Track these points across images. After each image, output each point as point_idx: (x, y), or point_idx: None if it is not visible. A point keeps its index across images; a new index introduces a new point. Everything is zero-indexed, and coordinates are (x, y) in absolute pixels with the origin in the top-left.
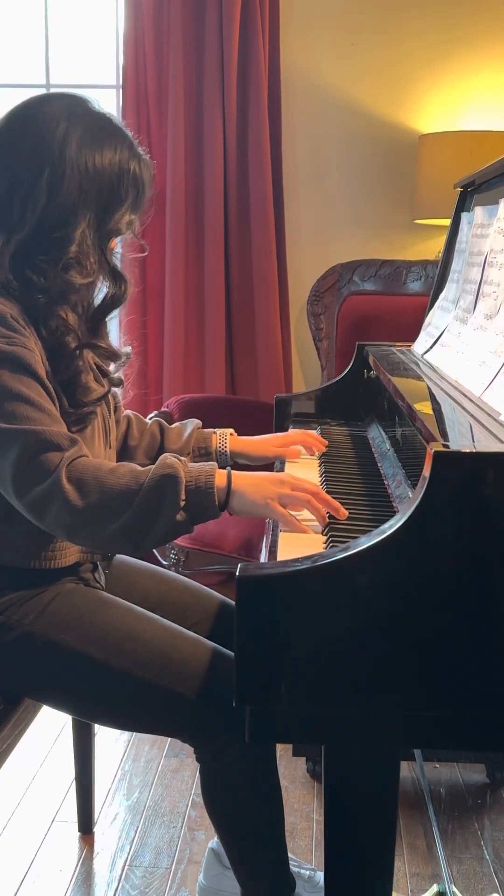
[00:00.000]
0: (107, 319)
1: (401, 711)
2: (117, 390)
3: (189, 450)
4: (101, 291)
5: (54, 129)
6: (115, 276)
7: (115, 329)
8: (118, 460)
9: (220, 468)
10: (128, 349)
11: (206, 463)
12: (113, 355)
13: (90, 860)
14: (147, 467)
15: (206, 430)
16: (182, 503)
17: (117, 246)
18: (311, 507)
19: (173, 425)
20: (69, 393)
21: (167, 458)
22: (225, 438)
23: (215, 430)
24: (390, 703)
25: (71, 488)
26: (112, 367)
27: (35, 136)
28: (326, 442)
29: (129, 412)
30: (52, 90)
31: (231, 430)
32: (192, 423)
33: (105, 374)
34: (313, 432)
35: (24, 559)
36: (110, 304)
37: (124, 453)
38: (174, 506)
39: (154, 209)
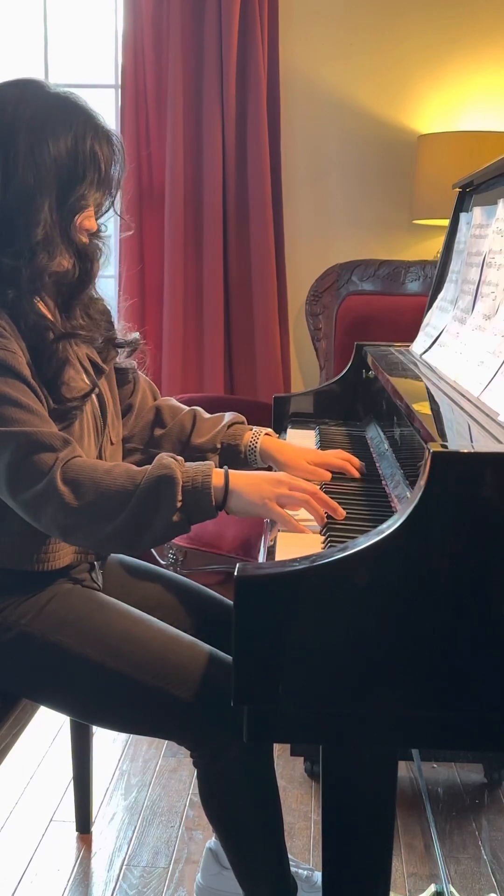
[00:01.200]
0: (111, 314)
1: (399, 711)
2: (141, 376)
3: (216, 444)
4: (73, 273)
5: (2, 115)
6: (81, 256)
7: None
8: (144, 448)
9: (246, 466)
10: (135, 335)
11: (202, 462)
12: (91, 339)
13: (88, 860)
14: (143, 467)
15: (243, 425)
16: (178, 504)
17: (105, 228)
18: (309, 507)
19: (212, 416)
20: (52, 389)
21: (163, 457)
22: (258, 437)
23: (252, 427)
24: (388, 703)
25: (66, 489)
26: (121, 355)
27: None
28: (362, 464)
29: (161, 400)
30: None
31: (268, 430)
32: (231, 416)
33: (101, 370)
34: (352, 457)
35: (19, 561)
36: (78, 284)
37: (151, 442)
38: (170, 507)
39: (152, 209)
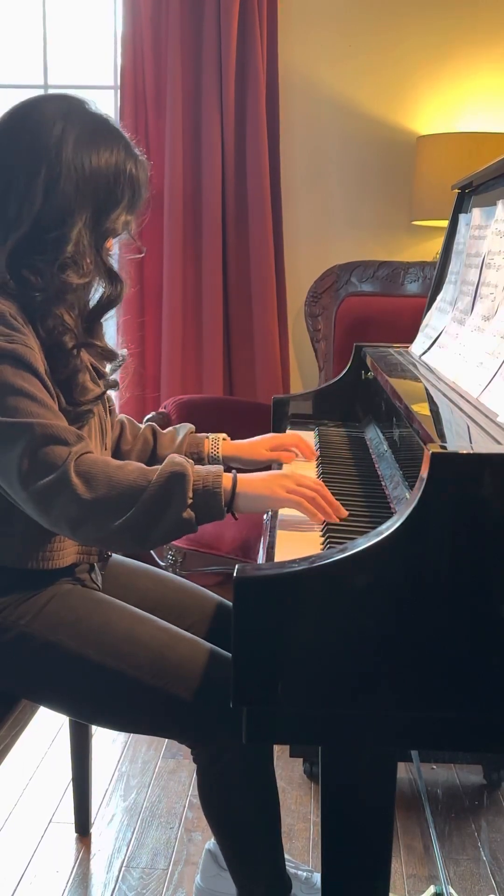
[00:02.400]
0: (103, 320)
1: (398, 712)
2: (112, 393)
3: (181, 454)
4: (98, 291)
5: (51, 129)
6: (111, 277)
7: (112, 330)
8: None
9: None
10: (123, 352)
11: (213, 465)
12: (109, 354)
13: (87, 861)
14: (155, 466)
15: (198, 434)
16: (189, 501)
17: (114, 247)
18: (316, 504)
19: (166, 430)
20: (66, 392)
21: (175, 457)
22: (217, 443)
23: (208, 434)
24: (388, 704)
25: (79, 481)
26: (108, 368)
27: (31, 137)
28: (317, 452)
29: (122, 416)
30: (51, 91)
31: (224, 435)
32: (185, 428)
33: (101, 374)
34: (305, 439)
35: (21, 560)
36: (106, 304)
37: (117, 457)
38: (181, 503)
39: (151, 210)
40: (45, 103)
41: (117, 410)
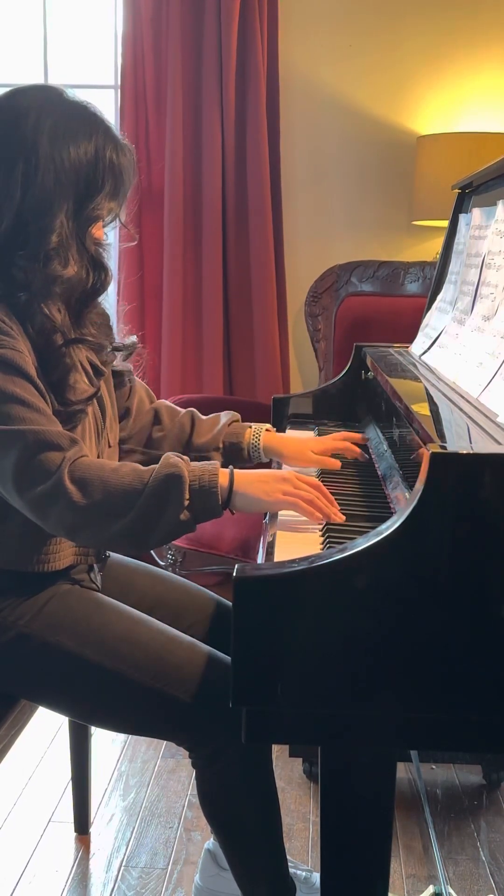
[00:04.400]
0: (111, 318)
1: (398, 713)
2: (136, 380)
3: (219, 443)
4: (86, 282)
5: (25, 120)
6: (96, 265)
7: (114, 322)
8: (143, 449)
9: (248, 463)
10: (133, 339)
11: (208, 462)
12: (99, 347)
13: (86, 861)
14: (150, 466)
15: (241, 423)
16: (186, 502)
17: (106, 237)
18: (314, 504)
19: (208, 416)
20: (58, 393)
21: (170, 457)
22: (259, 434)
23: (251, 424)
24: (387, 704)
25: (74, 488)
26: (118, 358)
27: (7, 129)
28: (362, 437)
29: (159, 402)
30: None
31: (267, 426)
32: (228, 416)
33: (100, 373)
34: (353, 434)
35: (19, 562)
36: (91, 292)
37: (150, 444)
38: (178, 505)
39: (151, 210)
40: (20, 95)
41: (147, 399)
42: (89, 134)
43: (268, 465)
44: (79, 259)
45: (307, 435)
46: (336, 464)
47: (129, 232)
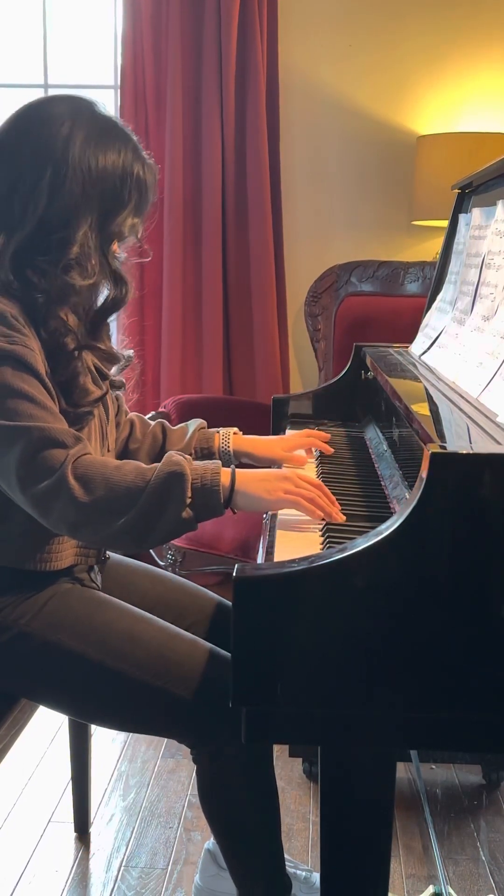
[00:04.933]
0: (108, 321)
1: (397, 712)
2: (120, 393)
3: (191, 450)
4: (103, 294)
5: (58, 129)
6: (117, 279)
7: (113, 330)
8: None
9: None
10: (130, 352)
11: (210, 461)
12: (112, 358)
13: (86, 861)
14: (152, 465)
15: (209, 429)
16: (188, 500)
17: (120, 250)
18: (316, 503)
19: (177, 426)
20: (67, 394)
21: (173, 455)
22: (228, 437)
23: (219, 429)
24: (387, 704)
25: (77, 485)
26: (113, 369)
27: (39, 136)
28: (328, 436)
29: (133, 415)
30: (51, 90)
31: (234, 429)
32: (196, 423)
33: (105, 376)
34: (316, 431)
35: (20, 561)
36: (111, 306)
37: (125, 456)
38: (180, 503)
39: (151, 209)
40: (54, 104)
41: (124, 411)
42: (118, 149)
43: (251, 467)
44: (99, 272)
45: None
46: (303, 459)
47: (143, 249)
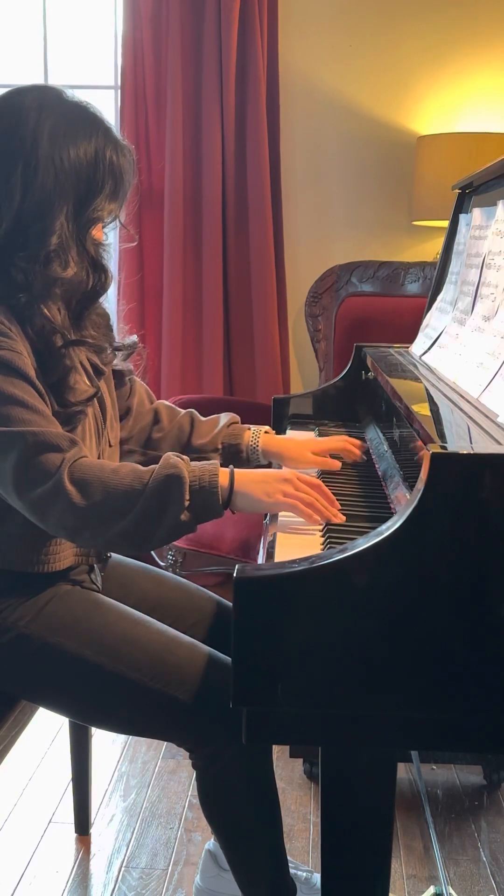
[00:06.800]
0: (107, 317)
1: (398, 713)
2: (135, 377)
3: (217, 444)
4: (86, 282)
5: (26, 121)
6: (96, 267)
7: (114, 321)
8: (142, 450)
9: (248, 465)
10: (133, 338)
11: (208, 462)
12: (100, 349)
13: (87, 861)
14: (150, 467)
15: (240, 425)
16: (186, 503)
17: (106, 237)
18: (314, 507)
19: (208, 418)
20: (57, 394)
21: (170, 457)
22: (258, 435)
23: (250, 426)
24: (387, 704)
25: (74, 490)
26: (118, 358)
27: (7, 130)
28: (365, 446)
29: (159, 403)
30: None
31: (266, 428)
32: (227, 417)
33: (100, 373)
34: (352, 438)
35: (19, 563)
36: (91, 294)
37: (148, 444)
38: (178, 506)
39: (151, 210)
40: (20, 95)
41: (147, 399)
42: (89, 135)
43: (267, 466)
44: (79, 260)
45: (308, 435)
46: (336, 464)
47: (128, 233)
